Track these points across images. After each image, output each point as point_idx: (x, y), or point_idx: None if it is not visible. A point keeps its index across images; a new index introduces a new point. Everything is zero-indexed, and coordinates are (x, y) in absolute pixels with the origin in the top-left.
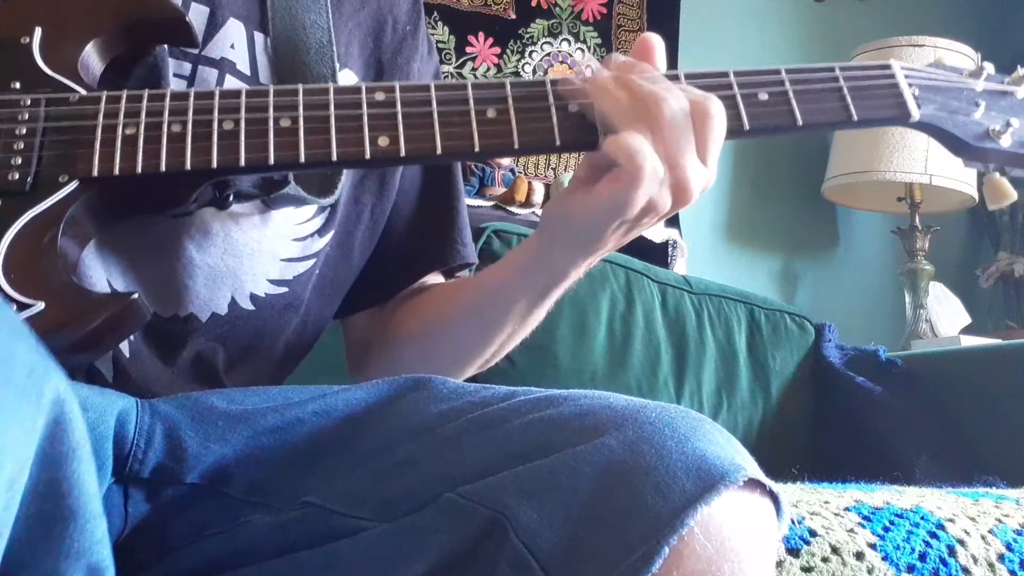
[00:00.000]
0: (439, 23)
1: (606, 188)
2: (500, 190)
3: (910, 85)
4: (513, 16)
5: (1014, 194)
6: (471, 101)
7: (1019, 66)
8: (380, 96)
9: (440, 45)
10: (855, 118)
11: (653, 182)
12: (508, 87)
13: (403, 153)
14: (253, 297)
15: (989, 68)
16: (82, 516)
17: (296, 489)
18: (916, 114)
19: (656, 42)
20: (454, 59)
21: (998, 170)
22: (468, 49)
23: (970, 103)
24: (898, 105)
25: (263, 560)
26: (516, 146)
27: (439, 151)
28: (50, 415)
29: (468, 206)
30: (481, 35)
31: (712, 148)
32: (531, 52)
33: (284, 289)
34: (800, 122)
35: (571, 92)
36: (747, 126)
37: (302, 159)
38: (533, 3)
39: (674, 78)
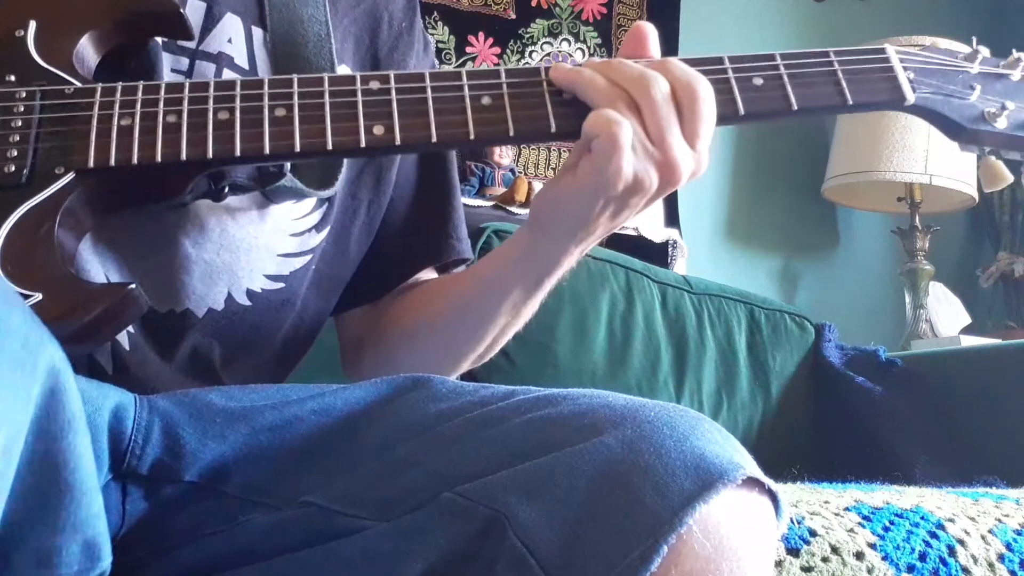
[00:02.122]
0: (439, 23)
1: (586, 163)
2: (500, 190)
3: (905, 68)
4: (513, 16)
5: (1010, 176)
6: (466, 88)
7: (1014, 49)
8: (375, 85)
9: (440, 45)
10: (850, 102)
11: (633, 153)
12: (503, 74)
13: (398, 141)
14: (249, 293)
15: (984, 51)
16: (78, 489)
17: (295, 488)
18: (911, 97)
19: (649, 31)
20: (454, 59)
21: (994, 153)
22: (468, 49)
23: (965, 86)
24: (893, 88)
25: (262, 559)
26: (511, 133)
27: (434, 139)
28: (45, 385)
29: (468, 206)
30: (481, 35)
31: (701, 130)
32: (531, 52)
33: (280, 285)
34: (795, 106)
35: (560, 83)
36: (742, 110)
37: (297, 148)
38: (533, 3)
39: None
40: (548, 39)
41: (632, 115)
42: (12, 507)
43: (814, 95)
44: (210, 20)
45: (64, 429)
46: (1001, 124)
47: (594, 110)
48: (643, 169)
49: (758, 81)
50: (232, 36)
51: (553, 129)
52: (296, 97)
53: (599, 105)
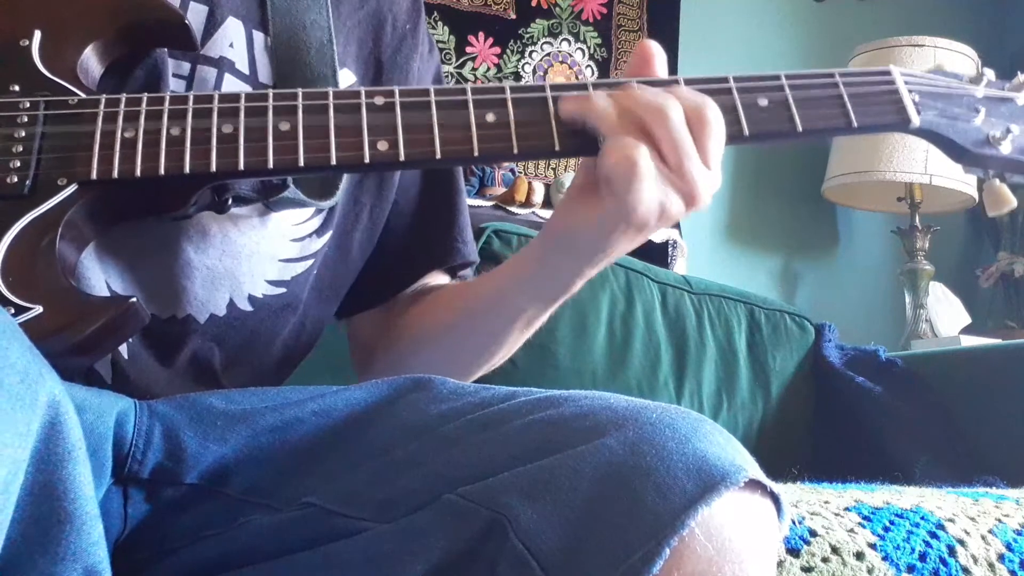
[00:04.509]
0: (439, 23)
1: (606, 190)
2: (500, 190)
3: (910, 91)
4: (513, 16)
5: (1014, 201)
6: (470, 106)
7: (1020, 72)
8: (379, 100)
9: (440, 45)
10: (855, 125)
11: (654, 184)
12: (508, 92)
13: (402, 157)
14: (251, 298)
15: (989, 74)
16: (78, 518)
17: (296, 489)
18: (916, 120)
19: (656, 49)
20: (454, 59)
21: (998, 176)
22: (468, 49)
23: (970, 109)
24: (898, 111)
25: (262, 560)
26: (515, 151)
27: (438, 156)
28: (45, 418)
29: (468, 206)
30: (481, 35)
31: (714, 151)
32: (531, 52)
33: (282, 290)
34: (800, 128)
35: (570, 115)
36: (747, 132)
37: (301, 163)
38: (533, 3)
39: (674, 83)
40: (548, 39)
41: (647, 143)
42: (13, 537)
43: (819, 117)
44: (211, 24)
45: (63, 459)
46: (1006, 148)
47: (608, 137)
48: (665, 196)
49: (763, 103)
50: (233, 41)
51: (557, 148)
52: (300, 111)
53: (612, 135)
